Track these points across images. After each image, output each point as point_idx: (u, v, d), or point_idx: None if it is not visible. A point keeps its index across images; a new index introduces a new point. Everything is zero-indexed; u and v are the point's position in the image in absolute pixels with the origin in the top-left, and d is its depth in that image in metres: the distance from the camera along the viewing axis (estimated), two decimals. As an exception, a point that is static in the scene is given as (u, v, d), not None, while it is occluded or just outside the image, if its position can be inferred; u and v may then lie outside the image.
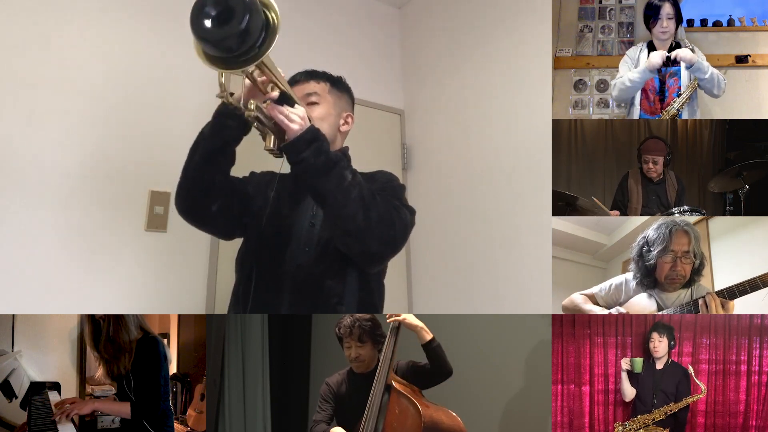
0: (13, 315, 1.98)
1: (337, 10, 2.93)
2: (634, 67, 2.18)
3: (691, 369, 1.82)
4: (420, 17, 3.08)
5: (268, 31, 1.08)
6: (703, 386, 1.79)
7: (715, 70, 2.11)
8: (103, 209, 2.07)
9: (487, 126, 2.57)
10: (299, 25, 2.75)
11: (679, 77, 2.15)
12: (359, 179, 1.31)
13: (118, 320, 1.65)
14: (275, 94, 1.25)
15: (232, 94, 1.26)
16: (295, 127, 1.23)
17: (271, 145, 1.27)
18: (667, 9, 2.14)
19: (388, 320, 1.48)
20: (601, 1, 2.54)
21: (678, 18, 2.16)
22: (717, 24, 2.39)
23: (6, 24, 1.95)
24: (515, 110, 2.43)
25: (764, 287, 1.55)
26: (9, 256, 1.88)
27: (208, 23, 1.04)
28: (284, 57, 2.68)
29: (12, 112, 1.94)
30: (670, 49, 2.14)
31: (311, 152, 1.24)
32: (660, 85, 2.18)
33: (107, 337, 1.63)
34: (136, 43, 2.22)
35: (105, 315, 1.67)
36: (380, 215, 1.30)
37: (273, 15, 1.10)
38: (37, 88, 1.99)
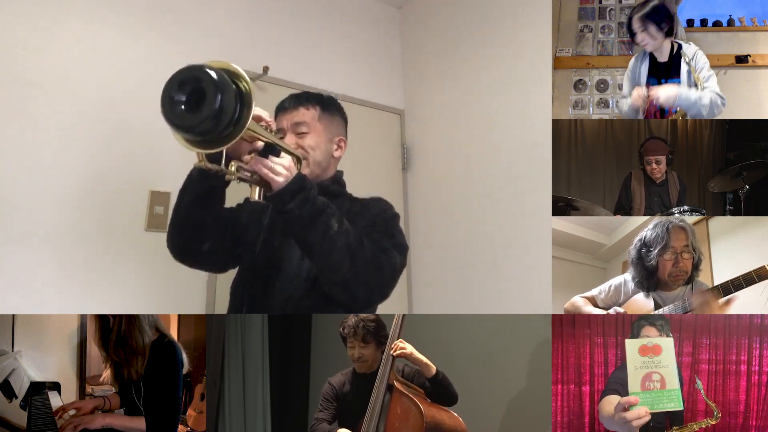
0: (13, 315, 1.97)
1: (337, 10, 2.93)
2: (636, 81, 2.13)
3: (700, 384, 1.57)
4: (420, 17, 3.08)
5: (243, 103, 1.02)
6: (715, 409, 1.50)
7: (709, 94, 2.00)
8: (103, 209, 2.06)
9: (487, 126, 2.57)
10: (299, 25, 2.75)
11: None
12: (346, 227, 1.27)
13: (131, 318, 1.51)
14: (260, 144, 1.22)
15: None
16: (280, 179, 1.19)
17: (257, 197, 1.22)
18: (636, 24, 2.07)
19: (392, 353, 1.46)
20: (601, 1, 2.54)
21: (658, 24, 2.07)
22: (717, 24, 2.40)
23: (6, 26, 1.95)
24: (515, 110, 2.43)
25: (759, 281, 1.54)
26: (9, 257, 1.87)
27: (179, 110, 0.99)
28: (284, 57, 2.68)
29: (12, 114, 1.93)
30: (670, 55, 2.11)
31: (297, 203, 1.20)
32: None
33: (118, 336, 1.48)
34: (136, 44, 2.22)
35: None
36: (367, 262, 1.26)
37: (244, 84, 1.04)
38: (37, 89, 1.98)
